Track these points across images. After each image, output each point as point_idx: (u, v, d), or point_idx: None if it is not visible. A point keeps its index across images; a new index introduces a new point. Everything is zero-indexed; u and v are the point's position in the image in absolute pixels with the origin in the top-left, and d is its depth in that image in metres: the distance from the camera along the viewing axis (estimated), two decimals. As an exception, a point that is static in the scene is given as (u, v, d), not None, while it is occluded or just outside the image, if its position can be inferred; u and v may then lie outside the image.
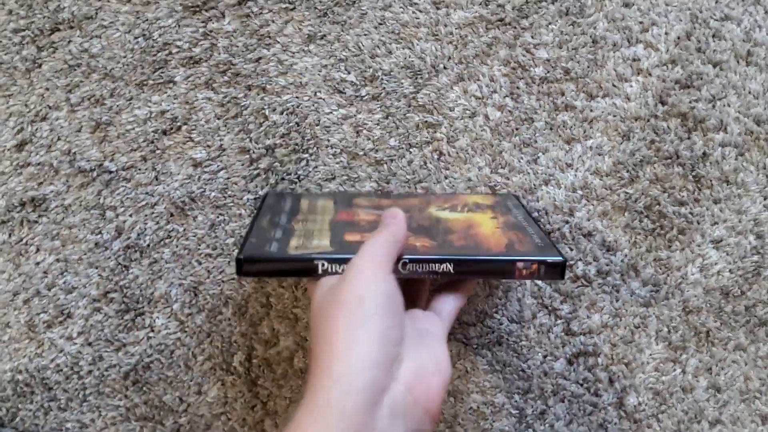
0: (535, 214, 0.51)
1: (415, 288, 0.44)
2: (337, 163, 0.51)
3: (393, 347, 0.35)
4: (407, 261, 0.39)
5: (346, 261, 0.38)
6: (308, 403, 0.32)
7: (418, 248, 0.40)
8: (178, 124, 0.51)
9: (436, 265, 0.39)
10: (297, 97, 0.51)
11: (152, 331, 0.51)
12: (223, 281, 0.51)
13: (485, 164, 0.51)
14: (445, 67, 0.51)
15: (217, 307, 0.51)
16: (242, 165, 0.51)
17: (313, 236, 0.42)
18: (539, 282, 0.51)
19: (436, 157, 0.51)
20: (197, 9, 0.51)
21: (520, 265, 0.39)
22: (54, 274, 0.51)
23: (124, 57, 0.51)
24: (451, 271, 0.39)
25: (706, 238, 0.50)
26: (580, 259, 0.51)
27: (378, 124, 0.51)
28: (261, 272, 0.40)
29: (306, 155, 0.51)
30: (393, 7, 0.51)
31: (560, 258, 0.39)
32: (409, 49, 0.51)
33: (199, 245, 0.51)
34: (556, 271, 0.39)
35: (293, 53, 0.51)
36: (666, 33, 0.50)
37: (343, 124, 0.51)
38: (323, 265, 0.39)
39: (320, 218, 0.44)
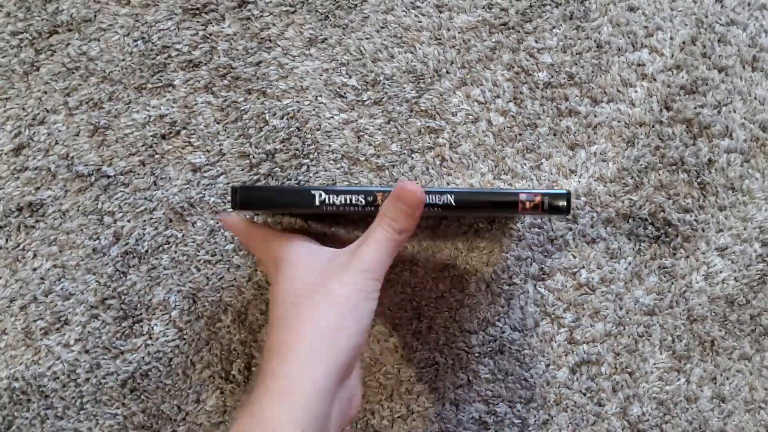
0: (538, 220, 0.50)
1: None
2: (338, 168, 0.50)
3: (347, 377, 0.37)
4: None
5: (344, 192, 0.38)
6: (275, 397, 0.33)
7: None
8: (177, 128, 0.51)
9: (438, 196, 0.39)
10: (297, 102, 0.51)
11: (150, 338, 0.50)
12: (222, 288, 0.50)
13: (488, 170, 0.50)
14: (447, 72, 0.50)
15: (216, 315, 0.50)
16: (242, 170, 0.50)
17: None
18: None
19: (438, 162, 0.50)
20: (197, 12, 0.50)
21: (523, 197, 0.39)
22: (51, 280, 0.51)
23: (123, 60, 0.51)
24: (452, 203, 0.39)
25: (711, 245, 0.50)
26: (584, 267, 0.50)
27: (380, 129, 0.50)
28: (257, 203, 0.40)
29: (306, 160, 0.50)
30: (395, 10, 0.50)
31: (564, 191, 0.40)
32: (412, 53, 0.50)
33: (198, 251, 0.50)
34: (560, 203, 0.39)
35: (294, 57, 0.50)
36: (671, 38, 0.50)
37: (344, 129, 0.50)
38: (320, 195, 0.39)
39: None
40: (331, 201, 0.39)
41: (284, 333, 0.35)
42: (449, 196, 0.39)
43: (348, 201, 0.39)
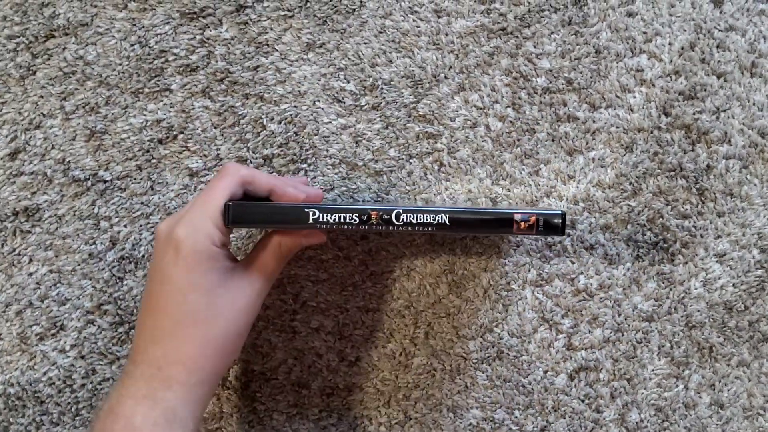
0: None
1: None
2: (335, 173, 0.50)
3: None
4: (402, 211, 0.39)
5: (338, 211, 0.39)
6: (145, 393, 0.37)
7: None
8: (174, 132, 0.50)
9: (432, 216, 0.39)
10: (295, 107, 0.50)
11: (147, 343, 0.50)
12: (219, 293, 0.50)
13: (486, 175, 0.50)
14: (446, 77, 0.50)
15: (213, 320, 0.50)
16: (239, 175, 0.50)
17: None
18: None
19: (436, 167, 0.50)
20: (194, 16, 0.50)
21: (518, 217, 0.39)
22: (47, 285, 0.50)
23: (120, 64, 0.50)
24: (447, 222, 0.39)
25: (709, 251, 0.50)
26: (582, 273, 0.50)
27: (378, 134, 0.50)
28: (250, 219, 0.40)
29: (304, 165, 0.50)
30: (393, 15, 0.50)
31: (559, 211, 0.40)
32: (410, 58, 0.50)
33: (195, 256, 0.50)
34: (555, 224, 0.39)
35: (292, 62, 0.50)
36: (670, 43, 0.50)
37: (342, 134, 0.50)
38: (314, 213, 0.39)
39: None
40: (325, 219, 0.39)
41: (168, 348, 0.38)
42: (443, 216, 0.39)
43: (342, 219, 0.39)
